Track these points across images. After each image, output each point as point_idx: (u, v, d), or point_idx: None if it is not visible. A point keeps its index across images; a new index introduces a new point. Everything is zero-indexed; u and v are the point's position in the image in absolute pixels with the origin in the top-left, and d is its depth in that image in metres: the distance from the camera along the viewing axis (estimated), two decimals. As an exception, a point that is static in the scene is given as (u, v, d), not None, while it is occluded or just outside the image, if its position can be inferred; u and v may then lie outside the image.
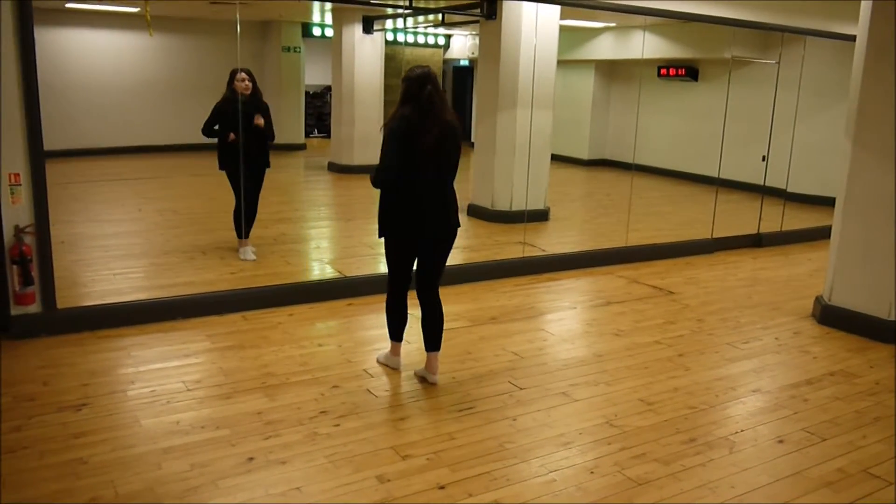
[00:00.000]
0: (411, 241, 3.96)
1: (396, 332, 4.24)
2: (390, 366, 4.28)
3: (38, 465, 3.11)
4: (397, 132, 3.72)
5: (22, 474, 3.04)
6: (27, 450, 3.22)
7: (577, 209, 10.20)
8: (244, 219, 6.19)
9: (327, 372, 4.19)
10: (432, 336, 4.08)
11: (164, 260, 6.29)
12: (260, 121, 6.00)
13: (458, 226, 3.99)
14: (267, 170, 6.33)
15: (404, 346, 4.33)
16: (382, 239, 4.00)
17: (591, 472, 3.22)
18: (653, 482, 3.16)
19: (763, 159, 8.50)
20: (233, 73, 6.06)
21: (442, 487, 3.05)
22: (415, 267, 4.09)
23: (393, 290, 4.13)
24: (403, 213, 3.85)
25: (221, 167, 6.12)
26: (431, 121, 3.73)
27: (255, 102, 6.06)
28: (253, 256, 6.27)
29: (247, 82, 6.01)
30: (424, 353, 4.14)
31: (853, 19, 5.66)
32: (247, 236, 6.28)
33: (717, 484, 3.17)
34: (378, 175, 3.78)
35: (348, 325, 5.12)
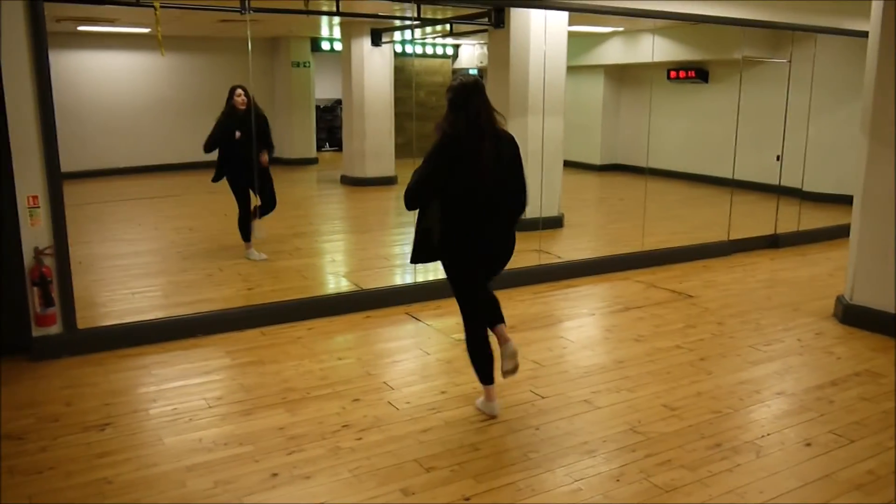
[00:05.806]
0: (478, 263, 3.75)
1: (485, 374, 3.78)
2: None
3: (64, 486, 3.12)
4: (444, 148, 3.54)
5: (49, 495, 3.05)
6: (53, 470, 3.24)
7: (592, 215, 10.16)
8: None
9: (348, 385, 4.18)
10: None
11: (182, 277, 6.33)
12: (265, 157, 6.63)
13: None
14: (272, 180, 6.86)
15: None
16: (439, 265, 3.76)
17: (617, 480, 3.20)
18: (680, 489, 3.12)
19: (777, 159, 8.44)
20: (231, 90, 6.55)
21: (467, 499, 3.04)
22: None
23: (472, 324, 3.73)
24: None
25: (217, 179, 6.63)
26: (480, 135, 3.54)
27: (252, 115, 6.53)
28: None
29: (243, 97, 6.52)
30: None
31: (864, 16, 5.63)
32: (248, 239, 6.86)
33: (746, 489, 3.13)
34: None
35: (367, 337, 5.12)
